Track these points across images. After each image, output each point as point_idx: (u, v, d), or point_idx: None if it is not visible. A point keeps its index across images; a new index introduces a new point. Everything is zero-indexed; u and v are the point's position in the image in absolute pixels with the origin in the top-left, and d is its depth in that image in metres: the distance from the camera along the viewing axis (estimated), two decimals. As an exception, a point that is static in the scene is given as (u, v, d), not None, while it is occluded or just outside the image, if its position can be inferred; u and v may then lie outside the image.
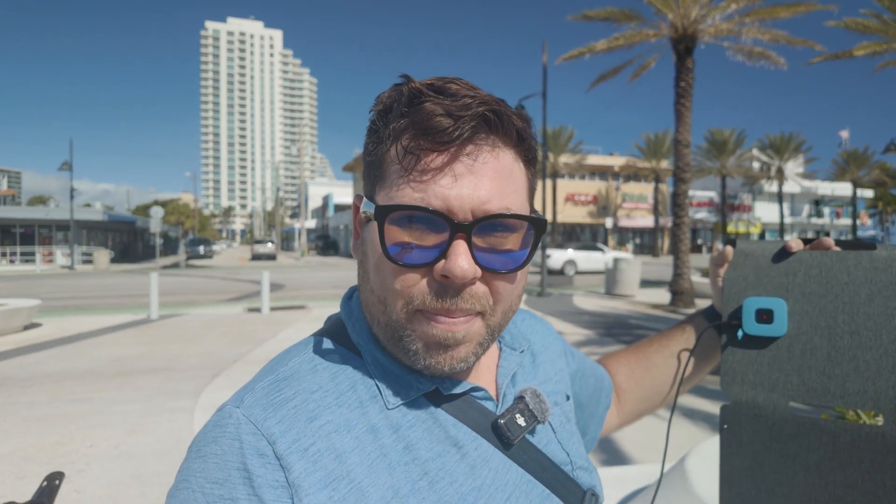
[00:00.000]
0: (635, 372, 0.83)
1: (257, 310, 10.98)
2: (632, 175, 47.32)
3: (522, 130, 0.50)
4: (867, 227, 65.24)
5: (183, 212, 70.30)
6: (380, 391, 0.51)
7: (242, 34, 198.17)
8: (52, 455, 3.74)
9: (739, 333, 0.71)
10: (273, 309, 11.14)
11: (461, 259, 0.46)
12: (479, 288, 0.48)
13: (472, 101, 0.47)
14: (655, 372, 0.82)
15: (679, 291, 11.61)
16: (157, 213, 27.16)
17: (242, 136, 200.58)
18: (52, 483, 0.85)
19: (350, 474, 0.45)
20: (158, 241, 31.71)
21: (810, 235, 23.85)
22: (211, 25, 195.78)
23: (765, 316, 0.69)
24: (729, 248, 0.75)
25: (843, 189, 56.88)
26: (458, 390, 0.54)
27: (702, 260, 33.64)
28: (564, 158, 42.13)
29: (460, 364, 0.50)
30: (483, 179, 0.47)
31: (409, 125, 0.47)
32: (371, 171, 0.52)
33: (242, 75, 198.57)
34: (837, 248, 0.69)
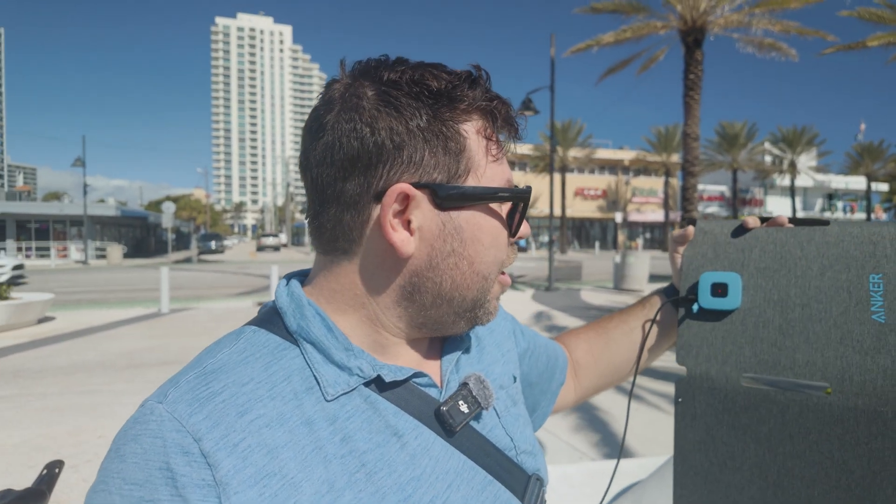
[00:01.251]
0: (594, 348, 0.85)
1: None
2: (642, 169, 47.03)
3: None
4: (883, 220, 64.13)
5: (195, 207, 70.92)
6: (317, 381, 0.50)
7: (252, 30, 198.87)
8: (63, 445, 3.82)
9: (695, 307, 0.72)
10: (282, 303, 11.24)
11: (527, 225, 0.57)
12: None
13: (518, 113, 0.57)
14: (614, 347, 0.83)
15: (687, 286, 11.57)
16: (170, 208, 27.43)
17: (253, 132, 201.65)
18: (51, 471, 0.87)
19: (282, 470, 0.44)
20: (171, 237, 32.03)
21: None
22: (221, 21, 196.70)
23: (720, 290, 0.70)
24: (690, 228, 0.76)
25: (858, 183, 56.04)
26: (399, 377, 0.53)
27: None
28: (573, 152, 41.94)
29: (497, 311, 0.60)
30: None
31: (495, 113, 0.53)
32: (448, 153, 0.50)
33: (253, 71, 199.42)
34: (791, 225, 0.71)
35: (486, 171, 0.52)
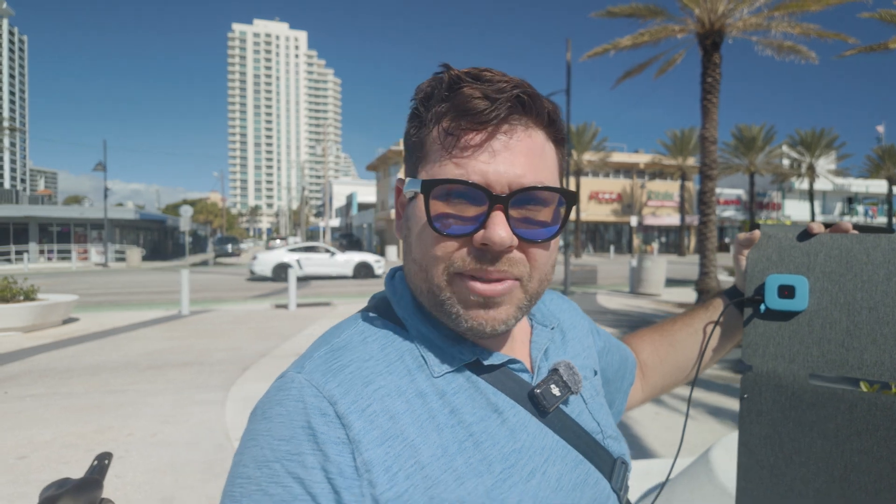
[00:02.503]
0: (659, 349, 0.87)
1: (284, 306, 11.19)
2: (657, 173, 46.65)
3: (552, 112, 0.56)
4: (904, 225, 63.07)
5: (211, 211, 71.76)
6: (425, 361, 0.55)
7: (268, 35, 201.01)
8: (92, 442, 3.90)
9: (762, 308, 0.75)
10: (299, 305, 11.34)
11: (499, 228, 0.50)
12: (517, 255, 0.53)
13: (506, 84, 0.52)
14: (679, 348, 0.86)
15: (705, 290, 11.45)
16: (187, 212, 27.79)
17: (269, 137, 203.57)
18: (102, 462, 0.91)
19: (403, 433, 0.49)
20: (188, 240, 32.43)
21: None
22: (238, 27, 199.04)
23: (787, 292, 0.73)
24: (756, 231, 0.78)
25: (878, 186, 54.98)
26: (496, 361, 0.58)
27: (729, 259, 32.97)
28: (588, 156, 41.71)
29: (501, 326, 0.54)
30: (518, 156, 0.52)
31: (450, 108, 0.52)
32: (413, 154, 0.57)
33: (268, 76, 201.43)
34: (855, 232, 0.73)
35: (441, 166, 0.52)
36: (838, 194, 55.02)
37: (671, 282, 16.93)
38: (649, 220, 46.19)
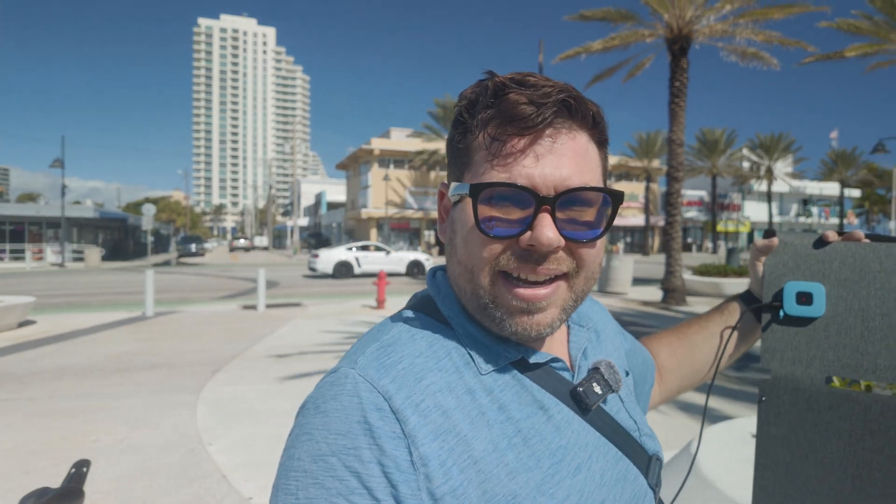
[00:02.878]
0: (677, 351, 0.89)
1: (253, 307, 10.98)
2: (623, 174, 47.58)
3: (597, 115, 0.56)
4: (854, 226, 65.89)
5: (174, 209, 69.81)
6: (472, 358, 0.56)
7: (235, 31, 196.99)
8: (58, 449, 3.75)
9: (781, 314, 0.77)
10: (269, 306, 11.15)
11: (547, 229, 0.51)
12: (563, 255, 0.54)
13: (551, 89, 0.52)
14: (696, 351, 0.88)
15: (671, 289, 11.73)
16: (149, 210, 27.00)
17: (234, 134, 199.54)
18: (80, 470, 0.87)
19: (456, 428, 0.50)
20: (150, 239, 31.52)
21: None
22: (204, 22, 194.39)
23: (804, 298, 0.76)
24: (774, 239, 0.81)
25: (832, 189, 57.39)
26: (540, 360, 0.59)
27: (692, 258, 33.88)
28: (557, 157, 42.20)
29: (546, 329, 0.55)
30: (563, 159, 0.52)
31: (496, 114, 0.52)
32: (458, 159, 0.58)
33: (235, 73, 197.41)
34: (867, 241, 0.76)
35: (486, 171, 0.53)
36: (794, 196, 57.15)
37: (637, 280, 17.29)
38: (615, 221, 46.84)
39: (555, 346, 0.64)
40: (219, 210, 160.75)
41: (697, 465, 1.95)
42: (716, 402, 4.79)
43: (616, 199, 0.55)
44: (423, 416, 0.49)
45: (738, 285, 13.12)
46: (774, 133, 47.81)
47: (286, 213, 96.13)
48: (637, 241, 50.06)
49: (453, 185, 0.57)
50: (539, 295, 0.53)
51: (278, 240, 75.81)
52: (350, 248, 20.47)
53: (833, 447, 0.72)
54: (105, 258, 32.23)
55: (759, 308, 0.81)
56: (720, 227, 49.66)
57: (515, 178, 0.51)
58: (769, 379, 0.78)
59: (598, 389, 0.60)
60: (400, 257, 20.80)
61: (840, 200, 54.85)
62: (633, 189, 47.71)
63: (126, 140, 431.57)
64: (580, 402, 0.59)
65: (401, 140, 40.29)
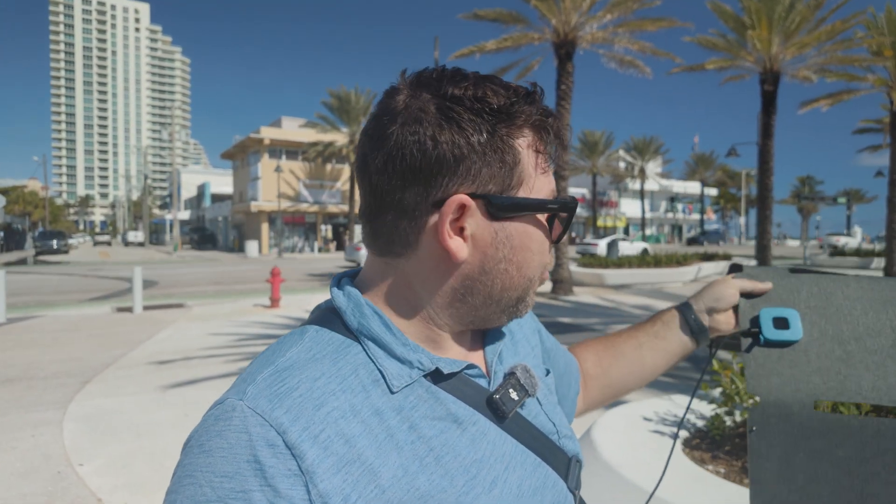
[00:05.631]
0: (602, 360, 0.88)
1: (128, 309, 10.05)
2: (515, 171, 49.42)
3: None
4: (712, 221, 73.98)
5: (30, 201, 61.64)
6: (382, 375, 0.53)
7: (102, 4, 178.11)
8: None
9: (762, 339, 0.78)
10: (147, 308, 10.27)
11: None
12: None
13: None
14: (623, 361, 0.87)
15: (559, 280, 12.39)
16: (-2, 201, 23.72)
17: (103, 118, 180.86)
18: None
19: (361, 457, 0.47)
20: (-1, 234, 27.74)
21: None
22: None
23: (781, 323, 0.77)
24: (769, 284, 0.82)
25: (694, 188, 63.94)
26: (455, 368, 0.56)
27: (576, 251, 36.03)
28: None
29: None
30: None
31: (557, 129, 0.58)
32: (504, 167, 0.53)
33: (102, 49, 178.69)
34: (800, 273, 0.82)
35: (536, 182, 0.56)
36: (663, 194, 62.86)
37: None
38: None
39: (470, 352, 0.62)
40: (85, 202, 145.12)
41: (598, 451, 2.08)
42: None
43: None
44: (324, 448, 0.46)
45: (617, 276, 14.18)
46: (647, 136, 52.44)
47: (164, 206, 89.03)
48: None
49: (492, 195, 0.54)
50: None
51: (156, 235, 69.96)
52: None
53: (830, 476, 0.70)
54: (-60, 257, 27.86)
55: (742, 333, 0.80)
56: (600, 223, 53.43)
57: (554, 190, 0.59)
58: (758, 407, 0.75)
59: (514, 395, 0.59)
60: None
61: (701, 198, 61.25)
62: (523, 185, 49.65)
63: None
64: (496, 409, 0.57)
65: (293, 130, 38.69)
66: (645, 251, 25.08)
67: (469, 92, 0.52)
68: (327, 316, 0.58)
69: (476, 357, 0.63)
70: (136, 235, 60.63)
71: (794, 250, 44.10)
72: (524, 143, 0.54)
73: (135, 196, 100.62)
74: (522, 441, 0.59)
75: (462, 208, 0.53)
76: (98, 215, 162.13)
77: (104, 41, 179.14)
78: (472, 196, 0.52)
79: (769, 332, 0.76)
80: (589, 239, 33.60)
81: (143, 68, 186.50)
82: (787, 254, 36.71)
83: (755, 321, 0.78)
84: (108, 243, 63.48)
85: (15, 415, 4.41)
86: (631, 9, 12.09)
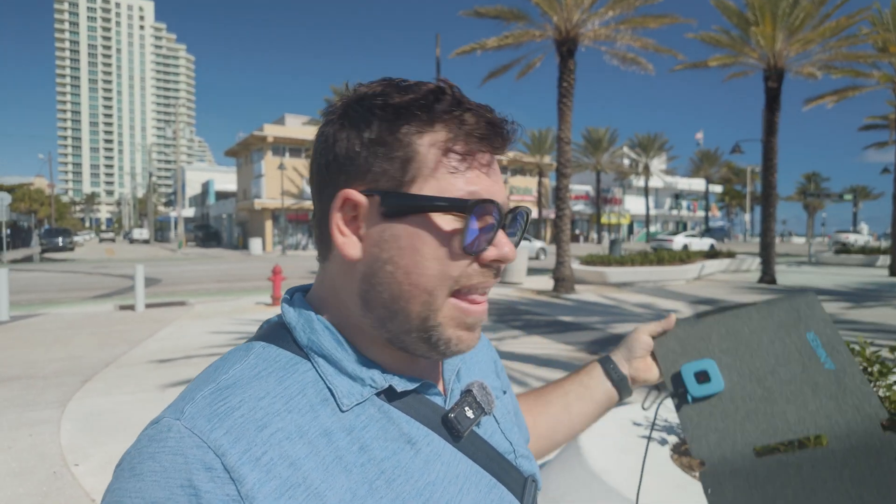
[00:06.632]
0: (533, 409, 0.86)
1: (131, 307, 10.09)
2: (518, 169, 49.34)
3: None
4: (717, 218, 73.70)
5: (36, 198, 61.84)
6: (332, 393, 0.51)
7: (106, 2, 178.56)
8: None
9: (689, 398, 0.77)
10: (149, 306, 10.30)
11: (508, 244, 0.53)
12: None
13: (498, 114, 0.54)
14: (552, 411, 0.85)
15: (561, 278, 12.37)
16: (4, 199, 23.84)
17: (108, 115, 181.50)
18: None
19: (306, 480, 0.45)
20: (5, 232, 27.89)
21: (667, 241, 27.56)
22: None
23: (702, 377, 0.77)
24: (672, 316, 0.84)
25: (698, 185, 63.67)
26: (409, 387, 0.54)
27: (579, 249, 36.02)
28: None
29: (475, 342, 0.55)
30: (500, 177, 0.56)
31: (476, 126, 0.52)
32: (388, 162, 0.51)
33: (107, 48, 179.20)
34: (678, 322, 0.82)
35: (442, 183, 0.50)
36: (668, 191, 62.68)
37: (532, 271, 18.08)
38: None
39: (428, 370, 0.61)
40: (91, 199, 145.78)
41: (583, 457, 2.06)
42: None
43: (529, 213, 0.59)
44: (266, 472, 0.43)
45: (620, 274, 14.14)
46: (650, 133, 52.24)
47: (169, 203, 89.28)
48: (531, 232, 52.28)
49: (386, 194, 0.51)
50: (485, 309, 0.55)
51: (161, 232, 70.22)
52: None
53: None
54: (-53, 254, 28.04)
55: (670, 396, 0.80)
56: (604, 220, 53.31)
57: (482, 193, 0.51)
58: (706, 469, 0.74)
59: (470, 414, 0.57)
60: (531, 245, 23.95)
61: (705, 195, 60.90)
62: (527, 183, 49.64)
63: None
64: (452, 428, 0.55)
65: (296, 127, 38.74)
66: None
67: (373, 90, 0.52)
68: (276, 331, 0.56)
69: (433, 375, 0.61)
70: (142, 233, 60.86)
71: (799, 247, 43.88)
72: (427, 141, 0.51)
73: (140, 193, 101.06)
74: (478, 461, 0.57)
75: (356, 206, 0.51)
76: (104, 213, 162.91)
77: (109, 39, 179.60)
78: (366, 193, 0.51)
79: (694, 388, 0.76)
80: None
81: (148, 66, 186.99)
82: (793, 251, 36.54)
83: (678, 380, 0.78)
84: (112, 240, 67.08)
85: (13, 414, 4.43)
86: (633, 5, 12.03)
